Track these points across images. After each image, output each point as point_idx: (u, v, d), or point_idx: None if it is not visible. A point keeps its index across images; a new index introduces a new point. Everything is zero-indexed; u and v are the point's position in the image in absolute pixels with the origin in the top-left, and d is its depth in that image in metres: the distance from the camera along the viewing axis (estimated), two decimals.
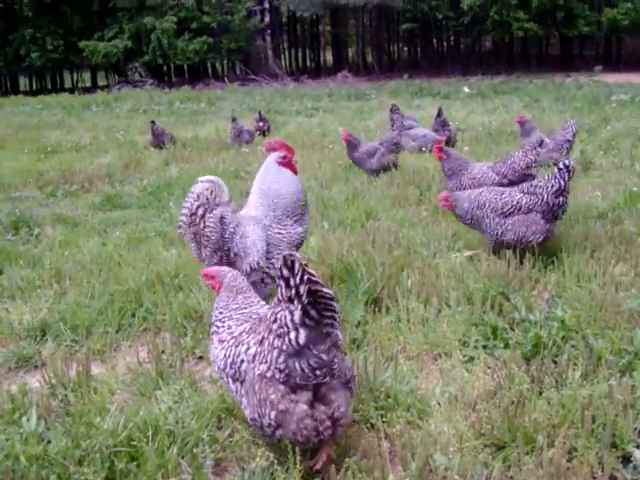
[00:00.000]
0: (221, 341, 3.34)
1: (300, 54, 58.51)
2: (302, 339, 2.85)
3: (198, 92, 32.31)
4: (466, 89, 27.46)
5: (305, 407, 2.97)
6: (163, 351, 4.57)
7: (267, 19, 47.44)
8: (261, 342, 3.05)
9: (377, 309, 5.04)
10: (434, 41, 51.82)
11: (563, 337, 4.37)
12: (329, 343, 2.91)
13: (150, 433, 3.36)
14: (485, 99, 23.70)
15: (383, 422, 3.60)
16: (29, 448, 3.30)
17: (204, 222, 4.66)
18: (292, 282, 2.80)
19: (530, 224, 5.88)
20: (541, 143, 7.61)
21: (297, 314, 2.83)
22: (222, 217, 4.68)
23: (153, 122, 14.16)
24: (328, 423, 3.00)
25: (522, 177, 7.13)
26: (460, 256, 6.12)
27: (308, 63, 57.32)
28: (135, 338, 5.02)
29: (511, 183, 6.92)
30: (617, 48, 47.16)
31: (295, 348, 2.89)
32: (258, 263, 4.70)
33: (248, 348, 3.12)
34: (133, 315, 5.28)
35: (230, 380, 3.23)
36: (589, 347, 4.16)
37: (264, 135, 15.25)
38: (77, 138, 15.94)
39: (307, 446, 3.10)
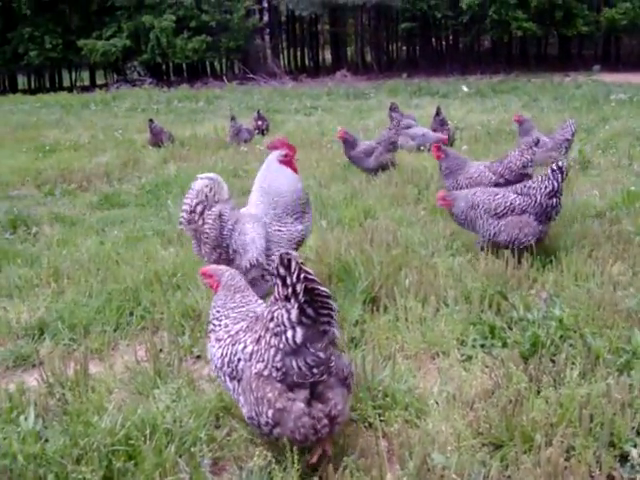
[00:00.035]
0: (218, 340, 3.34)
1: (299, 53, 58.53)
2: (299, 337, 2.85)
3: (197, 91, 32.30)
4: (465, 88, 27.47)
5: (302, 405, 2.97)
6: (161, 350, 4.57)
7: (266, 18, 47.45)
8: (258, 340, 3.05)
9: (375, 308, 5.04)
10: (433, 40, 51.87)
11: (561, 336, 4.37)
12: (326, 341, 2.91)
13: (148, 432, 3.35)
14: (484, 98, 23.71)
15: (381, 421, 3.60)
16: (27, 447, 3.29)
17: (203, 219, 4.68)
18: (289, 280, 2.80)
19: (523, 226, 5.88)
20: (537, 142, 7.60)
21: (294, 312, 2.83)
22: (221, 214, 4.69)
23: (151, 121, 14.15)
24: (325, 421, 3.00)
25: (519, 176, 7.13)
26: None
27: (307, 62, 57.35)
28: (133, 337, 5.02)
29: (508, 182, 6.91)
30: (616, 48, 47.24)
31: (292, 346, 2.88)
32: (257, 260, 4.70)
33: (245, 347, 3.12)
34: (131, 314, 5.27)
35: (227, 379, 3.23)
36: (587, 346, 4.16)
37: (263, 134, 15.25)
38: (75, 137, 15.92)
39: (305, 444, 3.10)
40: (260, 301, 3.57)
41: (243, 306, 3.45)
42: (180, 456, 3.30)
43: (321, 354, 2.91)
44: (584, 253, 5.81)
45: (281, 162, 4.97)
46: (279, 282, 2.85)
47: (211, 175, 4.80)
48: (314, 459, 3.19)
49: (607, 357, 4.07)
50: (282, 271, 2.81)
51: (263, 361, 3.00)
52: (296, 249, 4.98)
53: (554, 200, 5.88)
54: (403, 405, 3.73)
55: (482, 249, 5.96)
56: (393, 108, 13.55)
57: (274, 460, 3.11)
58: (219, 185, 4.76)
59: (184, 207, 4.72)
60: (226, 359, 3.21)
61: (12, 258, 6.62)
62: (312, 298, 2.79)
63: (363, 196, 8.69)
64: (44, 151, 13.70)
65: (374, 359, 4.04)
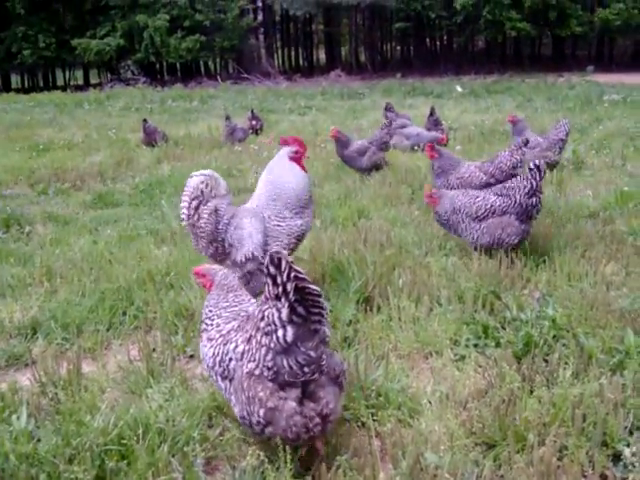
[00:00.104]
0: (210, 339, 3.34)
1: (293, 53, 58.54)
2: (290, 336, 2.85)
3: (191, 90, 32.30)
4: (459, 88, 27.54)
5: (294, 404, 2.97)
6: (154, 349, 4.56)
7: (260, 17, 47.47)
8: (249, 340, 3.05)
9: (368, 308, 5.04)
10: (427, 40, 51.96)
11: (554, 336, 4.37)
12: (317, 340, 2.91)
13: (141, 431, 3.34)
14: (478, 98, 23.76)
15: (374, 420, 3.60)
16: (19, 446, 3.28)
17: (198, 214, 4.78)
18: (279, 280, 2.79)
19: (505, 226, 5.90)
20: (527, 143, 7.63)
21: (284, 311, 2.82)
22: (216, 209, 4.81)
23: (145, 120, 14.12)
24: (317, 420, 3.00)
25: (509, 177, 7.13)
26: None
27: (301, 62, 57.38)
28: (126, 336, 5.00)
29: (499, 182, 6.92)
30: (609, 48, 47.42)
31: (283, 345, 2.88)
32: (253, 253, 4.75)
33: (236, 346, 3.12)
34: (124, 313, 5.26)
35: (219, 378, 3.23)
36: (580, 346, 4.16)
37: (256, 134, 15.24)
38: (69, 136, 15.88)
39: (297, 443, 3.10)
40: (253, 300, 3.57)
41: (235, 305, 3.45)
42: (173, 455, 3.29)
43: (312, 353, 2.91)
44: (577, 253, 5.82)
45: (291, 158, 5.05)
46: (269, 281, 2.84)
47: (207, 171, 4.90)
48: (303, 452, 3.21)
49: (600, 357, 4.07)
50: (272, 270, 2.81)
51: (254, 360, 2.99)
52: (297, 244, 5.04)
53: (534, 199, 5.90)
54: (396, 404, 3.73)
55: (475, 249, 5.98)
56: (388, 108, 13.58)
57: (267, 460, 3.10)
58: (216, 181, 4.87)
59: (182, 203, 4.81)
60: (218, 358, 3.21)
61: (5, 257, 6.61)
62: (303, 297, 2.78)
63: (357, 196, 8.70)
64: (37, 150, 13.67)
65: (367, 359, 4.04)
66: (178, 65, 46.70)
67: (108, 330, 5.05)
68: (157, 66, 46.51)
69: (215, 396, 3.81)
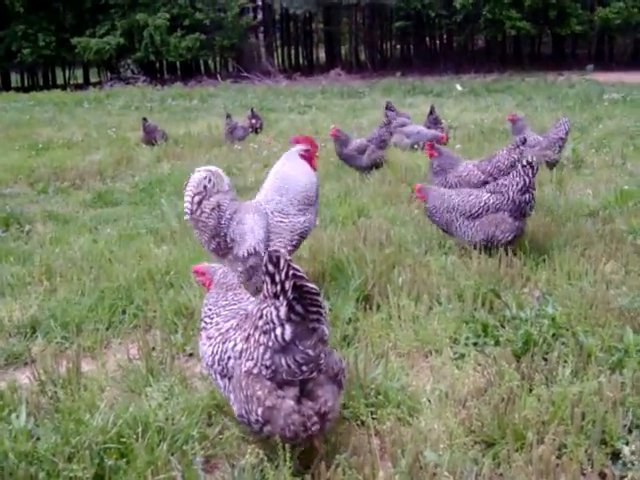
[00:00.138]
0: (209, 337, 3.33)
1: (293, 51, 58.54)
2: (288, 335, 2.84)
3: (190, 89, 32.30)
4: (459, 87, 27.54)
5: (292, 403, 2.96)
6: (153, 348, 4.55)
7: (260, 16, 47.55)
8: (247, 338, 3.04)
9: (368, 306, 5.04)
10: (427, 39, 51.97)
11: (553, 334, 4.37)
12: (315, 339, 2.90)
13: (140, 430, 3.34)
14: (478, 97, 23.76)
15: (373, 419, 3.59)
16: (18, 445, 3.28)
17: (201, 209, 4.81)
18: (277, 278, 2.79)
19: (499, 223, 5.90)
20: (524, 141, 7.64)
21: (282, 310, 2.82)
22: (219, 204, 4.84)
23: (145, 119, 14.13)
24: (315, 418, 2.99)
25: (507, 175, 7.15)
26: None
27: (301, 61, 57.36)
28: (125, 335, 5.00)
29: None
30: (609, 47, 47.41)
31: (281, 344, 2.87)
32: (254, 248, 4.78)
33: (235, 345, 3.12)
34: (124, 312, 5.26)
35: (218, 377, 3.23)
36: (579, 344, 4.16)
37: (256, 132, 15.24)
38: (69, 135, 15.88)
39: (296, 442, 3.09)
40: (252, 299, 3.57)
41: (235, 304, 3.45)
42: (172, 454, 3.29)
43: (310, 351, 2.90)
44: (577, 252, 5.82)
45: (302, 156, 5.11)
46: (268, 280, 2.84)
47: (210, 167, 4.95)
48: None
49: (599, 355, 4.07)
50: (271, 268, 2.80)
51: (252, 359, 2.99)
52: (300, 241, 5.07)
53: (527, 196, 5.91)
54: (395, 403, 3.72)
55: (475, 247, 5.98)
56: (389, 107, 13.57)
57: (266, 458, 3.10)
58: (219, 177, 4.92)
59: (186, 198, 4.85)
60: (217, 357, 3.20)
61: (4, 256, 6.60)
62: (301, 295, 2.78)
63: (357, 194, 8.70)
64: (37, 149, 13.67)
65: (367, 357, 4.03)
66: (178, 64, 46.70)
67: (108, 329, 5.05)
68: (157, 65, 46.52)
69: (214, 394, 3.81)
